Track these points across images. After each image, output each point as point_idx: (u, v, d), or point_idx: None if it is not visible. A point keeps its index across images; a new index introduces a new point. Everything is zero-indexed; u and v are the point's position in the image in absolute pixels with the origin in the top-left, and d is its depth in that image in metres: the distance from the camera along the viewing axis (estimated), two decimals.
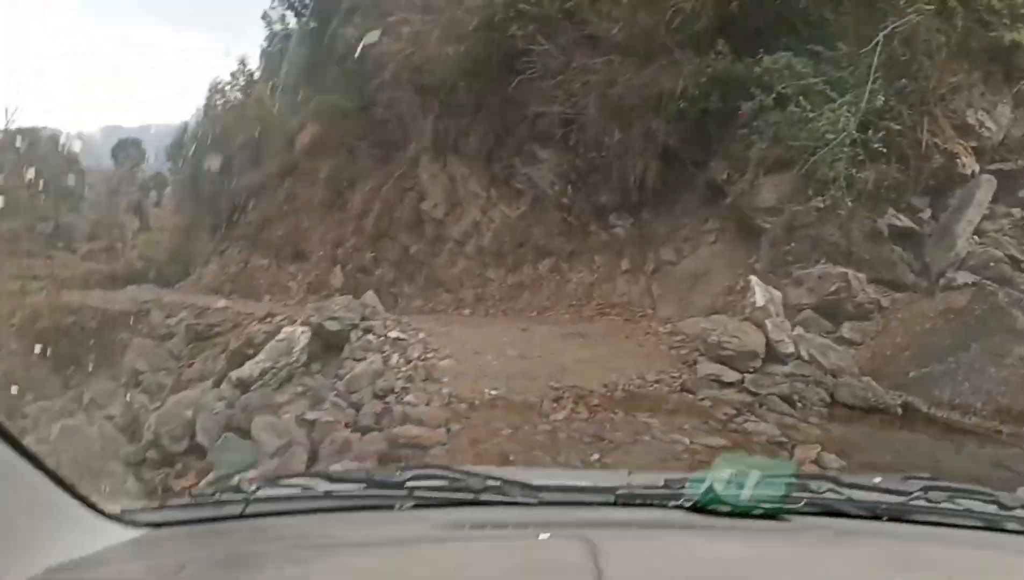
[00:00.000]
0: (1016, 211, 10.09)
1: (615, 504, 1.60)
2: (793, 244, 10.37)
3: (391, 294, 15.47)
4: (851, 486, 1.63)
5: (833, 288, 9.54)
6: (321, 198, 18.10)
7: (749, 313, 9.04)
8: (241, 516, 1.55)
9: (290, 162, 19.32)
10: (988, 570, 1.37)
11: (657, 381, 8.39)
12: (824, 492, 1.59)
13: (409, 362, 8.22)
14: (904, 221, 10.01)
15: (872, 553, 1.40)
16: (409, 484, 1.63)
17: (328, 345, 9.01)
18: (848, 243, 9.93)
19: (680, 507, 1.56)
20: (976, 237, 9.80)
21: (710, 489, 1.53)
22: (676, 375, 8.51)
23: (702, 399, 7.89)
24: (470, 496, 1.60)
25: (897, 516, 1.55)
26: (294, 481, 1.76)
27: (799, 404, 7.91)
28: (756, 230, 10.94)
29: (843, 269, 9.69)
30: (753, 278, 9.51)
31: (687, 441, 6.42)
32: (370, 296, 9.81)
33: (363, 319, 9.05)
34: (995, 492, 1.63)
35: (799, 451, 6.39)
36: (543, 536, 1.39)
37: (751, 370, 8.48)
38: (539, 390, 7.73)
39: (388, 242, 16.34)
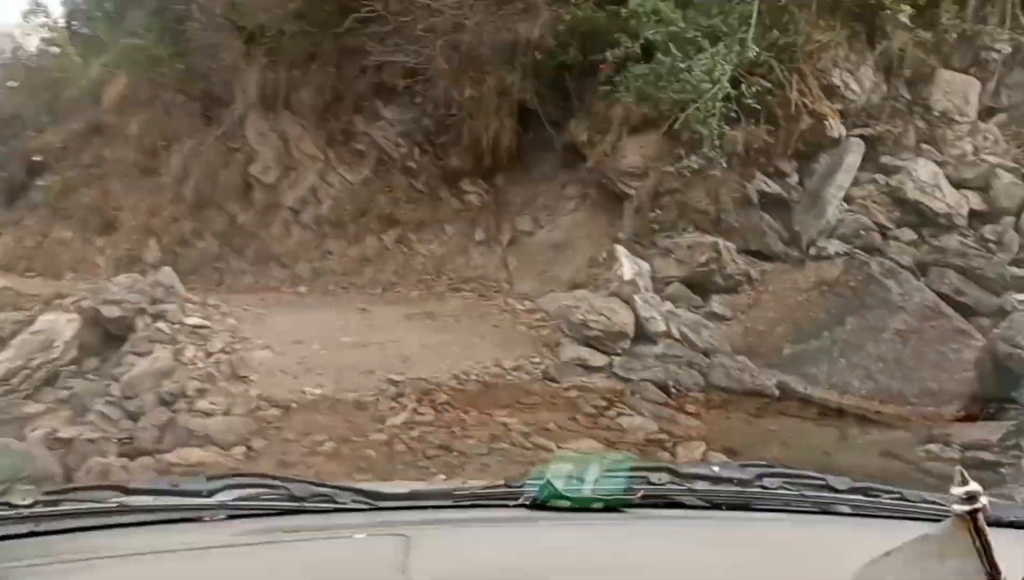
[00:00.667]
0: (880, 177, 9.70)
1: (452, 507, 1.54)
2: (659, 211, 9.60)
3: (216, 269, 13.71)
4: (691, 476, 1.63)
5: (703, 258, 8.81)
6: (133, 161, 15.81)
7: (615, 288, 8.13)
8: (15, 536, 1.32)
9: (96, 119, 16.83)
10: (817, 552, 1.40)
11: (516, 368, 7.36)
12: (665, 483, 1.58)
13: (210, 356, 6.61)
14: (773, 186, 9.41)
15: (705, 538, 1.48)
16: (221, 495, 1.41)
17: (110, 337, 7.19)
18: (717, 210, 9.21)
19: (521, 506, 1.50)
20: (845, 204, 9.32)
21: (548, 484, 1.47)
22: (537, 361, 7.49)
23: (567, 389, 6.90)
24: (293, 504, 1.43)
25: (735, 504, 1.58)
26: (81, 495, 1.47)
27: (674, 390, 7.05)
28: (620, 196, 10.10)
29: (713, 238, 8.97)
30: (619, 248, 8.59)
31: (553, 446, 5.33)
32: (166, 273, 7.97)
33: (154, 302, 7.25)
34: (825, 476, 1.65)
35: (682, 451, 5.49)
36: (358, 536, 1.37)
37: (619, 352, 7.60)
38: (375, 386, 6.46)
39: (212, 211, 14.39)
